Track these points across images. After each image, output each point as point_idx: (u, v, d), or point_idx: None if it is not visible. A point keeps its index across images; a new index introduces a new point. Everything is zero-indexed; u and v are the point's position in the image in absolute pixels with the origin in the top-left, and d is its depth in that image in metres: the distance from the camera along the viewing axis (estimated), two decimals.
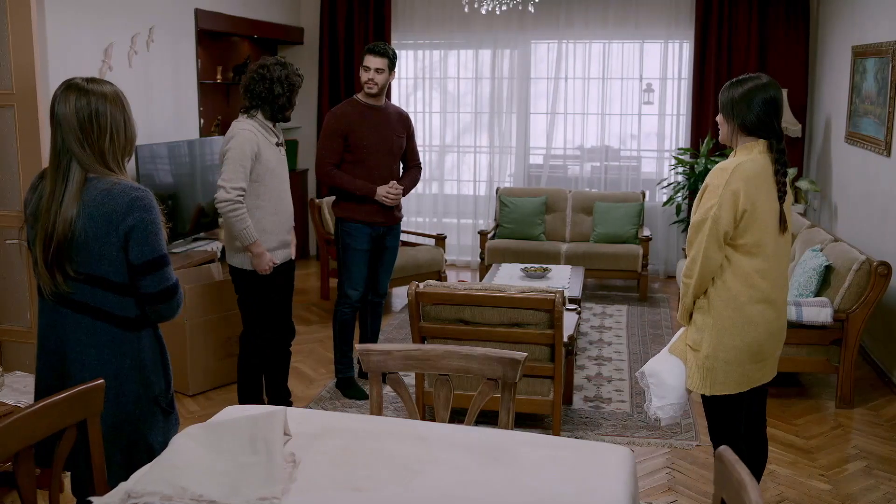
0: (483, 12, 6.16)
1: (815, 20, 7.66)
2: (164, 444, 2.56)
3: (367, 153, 4.84)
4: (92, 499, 2.02)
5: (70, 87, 2.47)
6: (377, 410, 2.69)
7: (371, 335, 5.25)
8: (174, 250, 5.81)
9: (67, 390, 2.25)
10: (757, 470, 3.30)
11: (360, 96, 4.93)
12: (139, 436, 2.59)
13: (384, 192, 4.83)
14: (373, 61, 4.79)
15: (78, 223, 2.41)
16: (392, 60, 4.83)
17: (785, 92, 7.28)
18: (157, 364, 2.63)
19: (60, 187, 2.44)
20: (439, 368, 2.66)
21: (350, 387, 5.02)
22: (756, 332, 3.05)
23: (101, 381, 2.36)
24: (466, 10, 6.01)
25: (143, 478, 2.00)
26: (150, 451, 2.60)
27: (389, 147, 4.91)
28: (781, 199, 3.00)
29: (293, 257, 4.48)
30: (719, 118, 3.11)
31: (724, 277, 3.00)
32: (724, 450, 1.92)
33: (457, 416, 2.90)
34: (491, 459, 2.23)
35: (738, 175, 2.90)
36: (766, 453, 3.36)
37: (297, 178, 8.14)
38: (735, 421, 3.16)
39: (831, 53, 7.16)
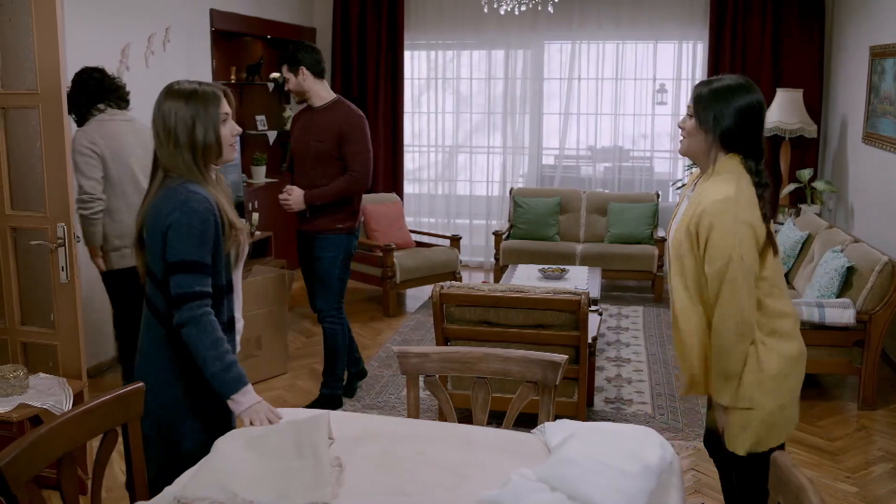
0: (502, 12, 6.14)
1: (830, 20, 7.64)
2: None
3: (294, 157, 4.83)
4: (138, 503, 2.01)
5: (167, 91, 2.52)
6: (415, 413, 2.67)
7: (326, 357, 4.95)
8: None
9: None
10: None
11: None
12: (172, 439, 2.57)
13: (279, 196, 4.74)
14: (283, 70, 4.77)
15: (146, 221, 2.48)
16: (291, 62, 4.65)
17: (800, 92, 7.27)
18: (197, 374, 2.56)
19: (149, 190, 2.54)
20: (478, 371, 2.64)
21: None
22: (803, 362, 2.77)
23: (141, 384, 2.37)
24: (486, 10, 6.00)
25: (190, 482, 1.98)
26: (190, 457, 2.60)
27: (308, 151, 4.72)
28: (767, 222, 2.61)
29: None
30: (690, 125, 2.64)
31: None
32: (780, 454, 1.90)
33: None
34: (537, 464, 2.21)
35: (744, 202, 2.52)
36: None
37: None
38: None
39: (847, 54, 7.14)
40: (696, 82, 2.76)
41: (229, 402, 2.41)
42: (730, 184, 2.54)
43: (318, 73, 4.69)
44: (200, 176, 2.48)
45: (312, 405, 4.74)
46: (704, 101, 2.58)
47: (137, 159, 4.24)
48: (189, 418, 2.54)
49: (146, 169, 4.31)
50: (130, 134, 4.26)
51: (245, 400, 2.39)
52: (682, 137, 2.71)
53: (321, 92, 4.71)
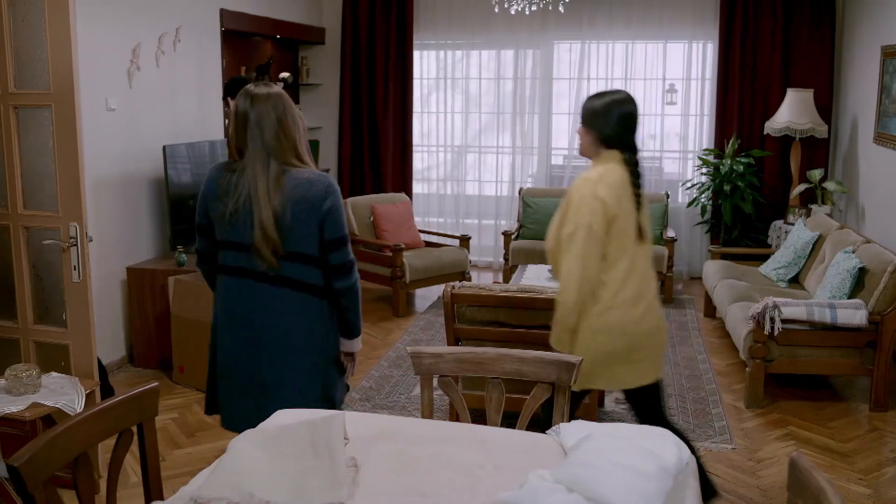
0: (512, 12, 6.13)
1: (841, 20, 7.61)
2: (342, 402, 3.12)
3: None
4: (154, 503, 2.01)
5: (257, 94, 2.80)
6: (429, 414, 2.66)
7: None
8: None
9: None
10: None
11: None
12: (326, 388, 2.99)
13: None
14: None
15: (285, 210, 2.75)
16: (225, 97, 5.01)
17: (811, 92, 7.24)
18: (334, 329, 2.99)
19: (262, 181, 2.76)
20: (492, 371, 2.64)
21: None
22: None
23: (156, 384, 2.36)
24: (496, 10, 5.98)
25: (206, 483, 1.98)
26: (332, 404, 3.00)
27: None
28: (638, 208, 3.13)
29: None
30: (580, 129, 3.19)
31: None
32: (798, 456, 1.89)
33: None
34: (553, 464, 2.20)
35: (604, 184, 3.02)
36: None
37: None
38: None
39: (858, 54, 7.11)
40: (587, 97, 3.24)
41: (354, 341, 3.04)
42: (598, 169, 3.08)
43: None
44: (313, 160, 2.90)
45: None
46: (591, 111, 3.13)
47: None
48: (337, 374, 3.03)
49: None
50: None
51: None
52: (578, 142, 3.24)
53: None
